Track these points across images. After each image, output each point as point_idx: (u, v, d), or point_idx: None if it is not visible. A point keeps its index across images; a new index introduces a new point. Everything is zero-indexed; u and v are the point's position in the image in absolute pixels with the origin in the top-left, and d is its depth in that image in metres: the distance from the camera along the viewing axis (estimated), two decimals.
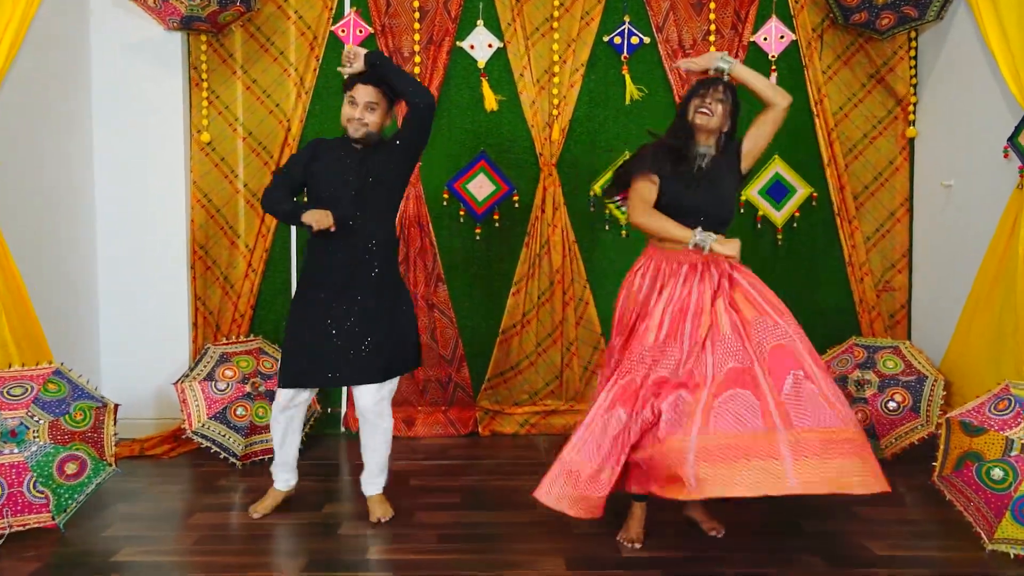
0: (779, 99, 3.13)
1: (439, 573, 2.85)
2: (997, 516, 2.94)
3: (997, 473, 2.97)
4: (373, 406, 3.31)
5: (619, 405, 2.95)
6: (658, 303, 3.04)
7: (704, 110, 3.07)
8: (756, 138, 3.18)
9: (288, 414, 3.41)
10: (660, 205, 3.10)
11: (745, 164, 3.21)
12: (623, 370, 3.00)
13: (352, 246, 3.26)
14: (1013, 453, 2.96)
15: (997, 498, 2.95)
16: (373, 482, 3.45)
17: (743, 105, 3.19)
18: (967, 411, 3.20)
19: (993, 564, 2.90)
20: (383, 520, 3.34)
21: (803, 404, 2.75)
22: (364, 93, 3.27)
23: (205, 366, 4.23)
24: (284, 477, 3.51)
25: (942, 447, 3.24)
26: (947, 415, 3.27)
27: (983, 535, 2.99)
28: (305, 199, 3.43)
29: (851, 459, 2.69)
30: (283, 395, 3.36)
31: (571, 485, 2.94)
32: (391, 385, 3.39)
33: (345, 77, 3.33)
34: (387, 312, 3.32)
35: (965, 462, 3.09)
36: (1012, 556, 2.91)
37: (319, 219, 3.14)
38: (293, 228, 4.64)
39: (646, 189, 3.10)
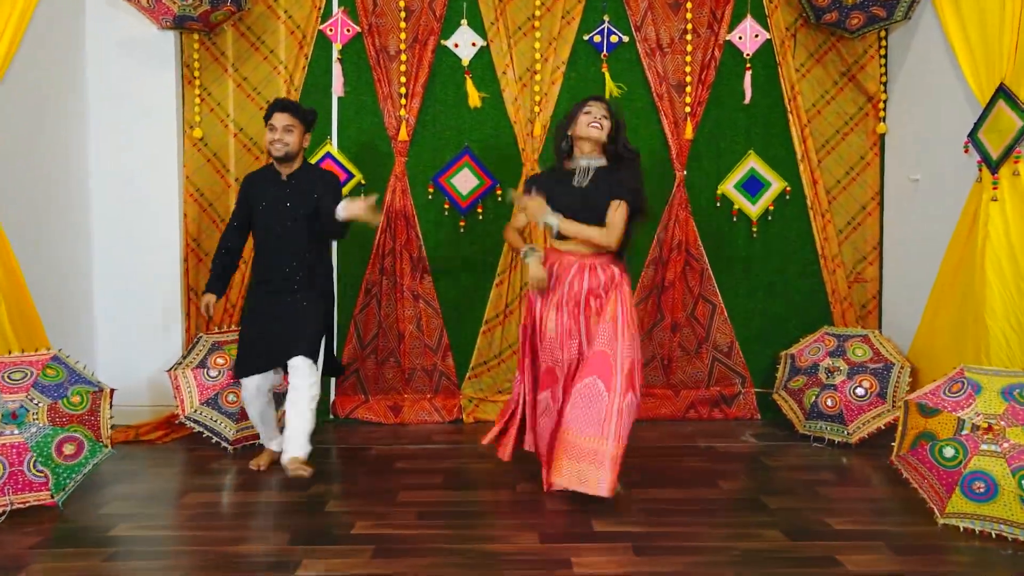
0: (604, 243, 3.40)
1: (418, 547, 3.00)
2: (948, 492, 3.10)
3: (949, 451, 3.13)
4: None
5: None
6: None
7: (595, 124, 3.39)
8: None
9: (256, 403, 3.90)
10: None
11: None
12: None
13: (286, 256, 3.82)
14: (964, 432, 3.12)
15: (948, 475, 3.11)
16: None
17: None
18: (924, 394, 3.36)
19: (944, 537, 3.05)
20: (304, 477, 3.73)
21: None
22: (281, 119, 3.73)
23: (198, 354, 4.37)
24: (275, 442, 4.02)
25: (900, 428, 3.41)
26: (905, 398, 3.44)
27: (936, 510, 3.15)
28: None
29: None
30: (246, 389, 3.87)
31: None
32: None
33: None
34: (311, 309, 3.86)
35: (920, 441, 3.25)
36: (961, 529, 3.07)
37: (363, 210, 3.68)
38: None
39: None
